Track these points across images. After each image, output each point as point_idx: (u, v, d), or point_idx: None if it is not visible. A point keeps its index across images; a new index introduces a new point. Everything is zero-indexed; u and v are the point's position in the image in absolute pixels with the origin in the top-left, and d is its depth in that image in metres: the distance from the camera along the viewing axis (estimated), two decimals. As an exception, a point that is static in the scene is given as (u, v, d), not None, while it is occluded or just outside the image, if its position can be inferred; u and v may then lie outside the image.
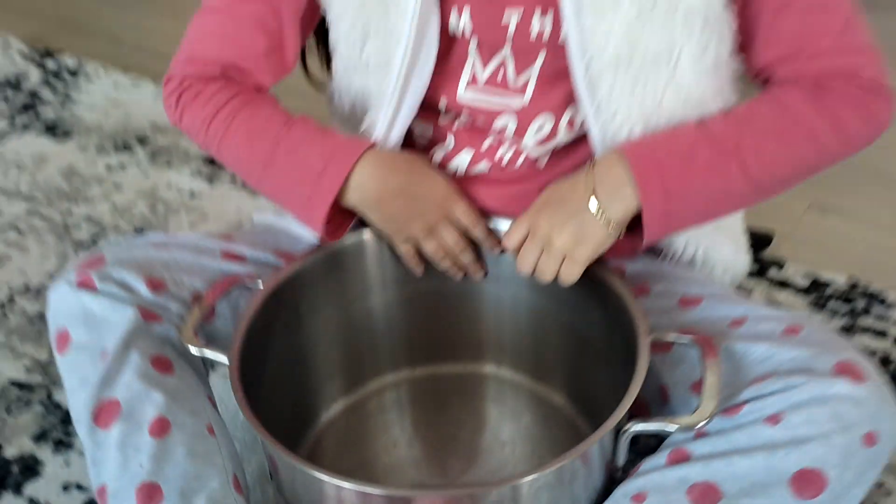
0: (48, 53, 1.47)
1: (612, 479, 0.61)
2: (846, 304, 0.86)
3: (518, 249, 0.64)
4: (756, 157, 0.59)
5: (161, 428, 0.60)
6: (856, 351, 0.58)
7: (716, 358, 0.58)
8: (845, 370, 0.56)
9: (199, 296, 0.65)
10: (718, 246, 0.69)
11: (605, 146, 0.61)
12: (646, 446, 0.64)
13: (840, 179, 1.06)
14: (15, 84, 1.39)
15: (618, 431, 0.57)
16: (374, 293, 0.73)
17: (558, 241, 0.61)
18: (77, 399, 0.62)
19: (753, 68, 0.62)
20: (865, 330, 0.83)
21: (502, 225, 0.67)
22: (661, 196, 0.58)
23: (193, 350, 0.62)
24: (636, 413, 0.63)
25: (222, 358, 0.61)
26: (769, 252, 0.95)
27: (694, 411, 0.55)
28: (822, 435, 0.54)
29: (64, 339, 0.63)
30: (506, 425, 0.76)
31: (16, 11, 1.74)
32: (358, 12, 0.62)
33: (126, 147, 1.20)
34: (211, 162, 1.15)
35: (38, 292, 0.94)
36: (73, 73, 1.41)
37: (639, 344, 0.60)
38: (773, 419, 0.55)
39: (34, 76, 1.41)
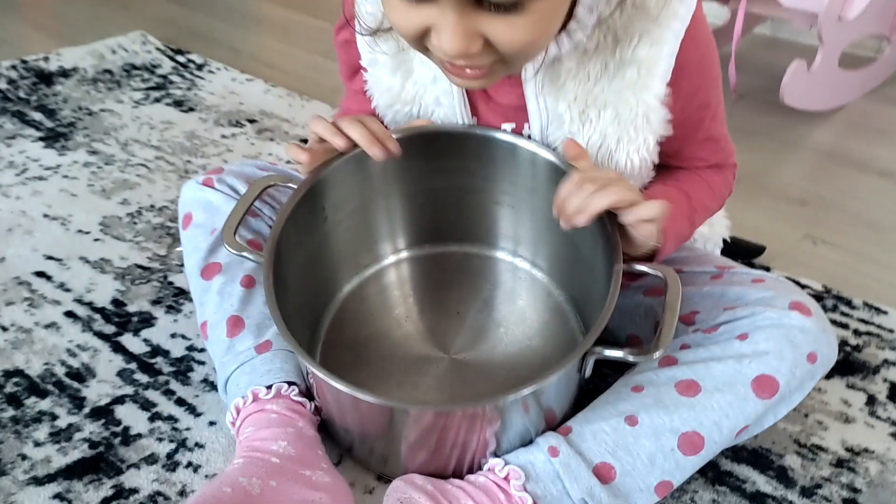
0: (179, 51, 1.76)
1: (581, 389, 0.74)
2: (817, 301, 1.02)
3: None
4: (702, 211, 0.81)
5: (248, 282, 0.80)
6: (806, 295, 0.76)
7: (677, 295, 0.68)
8: (798, 307, 0.73)
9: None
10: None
11: None
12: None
13: (833, 221, 1.25)
14: (151, 69, 1.66)
15: (586, 354, 0.66)
16: (393, 188, 0.83)
17: (602, 179, 0.68)
18: (191, 260, 0.82)
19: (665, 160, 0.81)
20: (831, 321, 0.99)
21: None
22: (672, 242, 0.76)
23: (231, 251, 0.73)
24: (631, 342, 0.81)
25: (258, 259, 0.72)
26: (759, 260, 1.12)
27: (651, 345, 0.66)
28: (778, 351, 0.70)
29: (188, 219, 0.84)
30: (503, 307, 0.84)
31: (154, 19, 2.05)
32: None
33: (238, 124, 1.45)
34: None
35: (160, 210, 1.16)
36: (199, 67, 1.68)
37: (613, 271, 0.68)
38: (742, 337, 0.72)
39: (166, 65, 1.69)
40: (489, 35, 0.57)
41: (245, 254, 0.73)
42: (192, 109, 1.49)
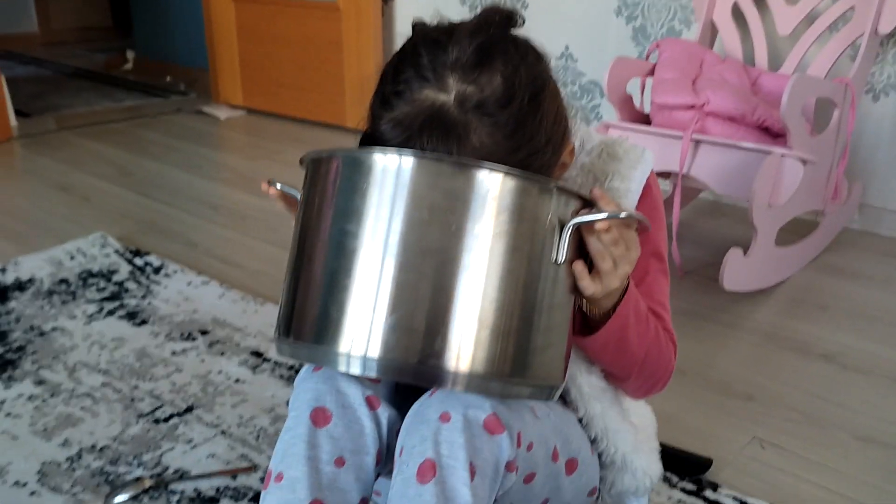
0: (138, 252, 1.80)
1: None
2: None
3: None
4: (656, 347, 0.80)
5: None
6: None
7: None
8: None
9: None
10: (637, 453, 0.88)
11: None
12: None
13: (779, 418, 1.26)
14: (108, 276, 1.69)
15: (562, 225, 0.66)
16: None
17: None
18: None
19: None
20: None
21: None
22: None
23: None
24: None
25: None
26: (707, 475, 1.12)
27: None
28: None
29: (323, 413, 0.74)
30: None
31: (115, 211, 2.11)
32: None
33: (190, 337, 1.46)
34: (256, 354, 1.39)
35: (101, 451, 1.14)
36: (157, 270, 1.71)
37: None
38: None
39: (124, 270, 1.72)
40: None
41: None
42: (144, 322, 1.51)
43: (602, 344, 0.76)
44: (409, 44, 0.70)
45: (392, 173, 0.63)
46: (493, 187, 0.63)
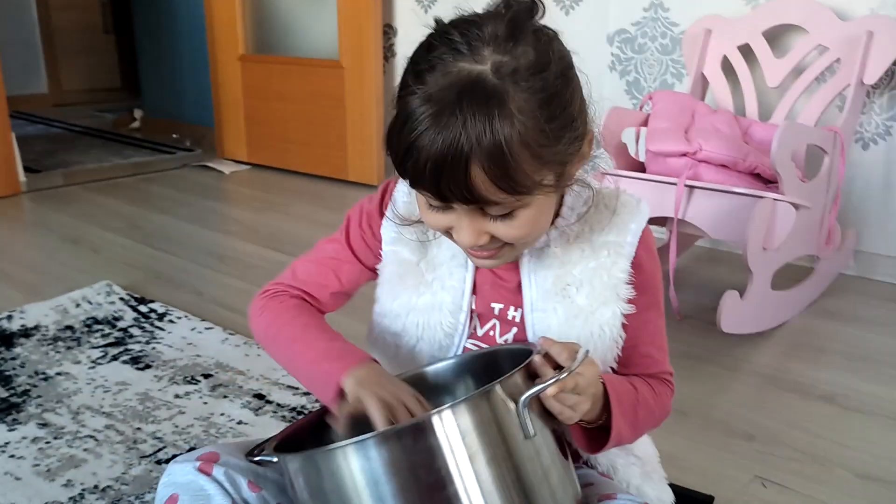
0: (142, 300, 1.82)
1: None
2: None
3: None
4: (646, 410, 0.84)
5: None
6: None
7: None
8: None
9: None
10: (647, 482, 0.89)
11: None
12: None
13: (781, 457, 1.26)
14: (112, 323, 1.71)
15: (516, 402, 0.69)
16: None
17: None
18: None
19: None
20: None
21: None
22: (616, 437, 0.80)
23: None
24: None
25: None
26: (710, 513, 1.12)
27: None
28: None
29: (173, 501, 0.81)
30: None
31: (123, 262, 2.14)
32: (408, 308, 0.88)
33: (193, 380, 1.47)
34: (258, 397, 1.40)
35: (104, 490, 1.15)
36: (161, 317, 1.74)
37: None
38: None
39: (128, 317, 1.74)
40: (493, 232, 0.74)
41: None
42: (148, 367, 1.52)
43: (604, 453, 0.81)
44: (438, 29, 0.72)
45: (357, 466, 0.66)
46: (447, 423, 0.66)
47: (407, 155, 0.68)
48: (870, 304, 1.92)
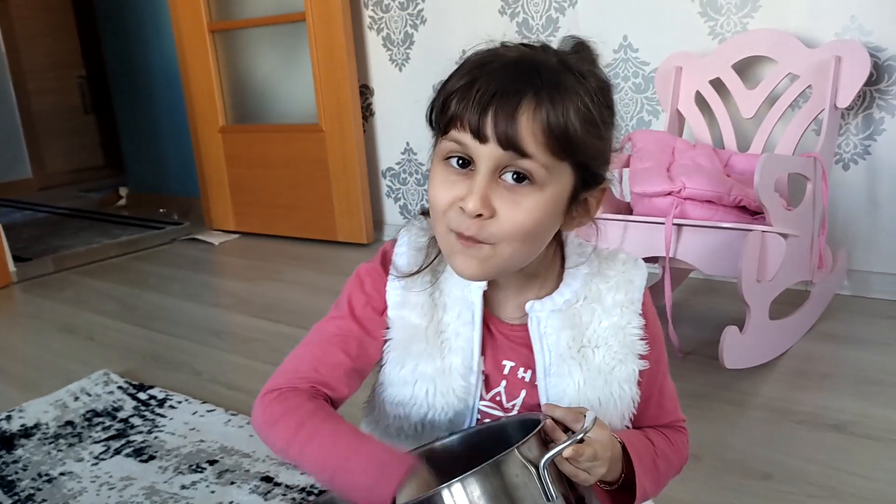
0: (141, 387, 1.80)
1: None
2: None
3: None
4: (665, 462, 0.85)
5: None
6: None
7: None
8: None
9: None
10: None
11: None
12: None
13: (799, 494, 1.25)
14: (112, 414, 1.69)
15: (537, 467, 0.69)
16: None
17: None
18: None
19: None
20: None
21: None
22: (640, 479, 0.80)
23: None
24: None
25: None
26: (734, 562, 1.10)
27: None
28: None
29: None
30: None
31: (118, 350, 2.12)
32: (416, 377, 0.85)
33: (198, 468, 1.45)
34: (266, 480, 1.38)
35: None
36: (161, 403, 1.72)
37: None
38: None
39: (128, 406, 1.72)
40: (497, 209, 0.72)
41: None
42: (152, 458, 1.50)
43: None
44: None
45: None
46: (471, 492, 0.65)
47: (469, 85, 0.70)
48: (868, 323, 1.92)
